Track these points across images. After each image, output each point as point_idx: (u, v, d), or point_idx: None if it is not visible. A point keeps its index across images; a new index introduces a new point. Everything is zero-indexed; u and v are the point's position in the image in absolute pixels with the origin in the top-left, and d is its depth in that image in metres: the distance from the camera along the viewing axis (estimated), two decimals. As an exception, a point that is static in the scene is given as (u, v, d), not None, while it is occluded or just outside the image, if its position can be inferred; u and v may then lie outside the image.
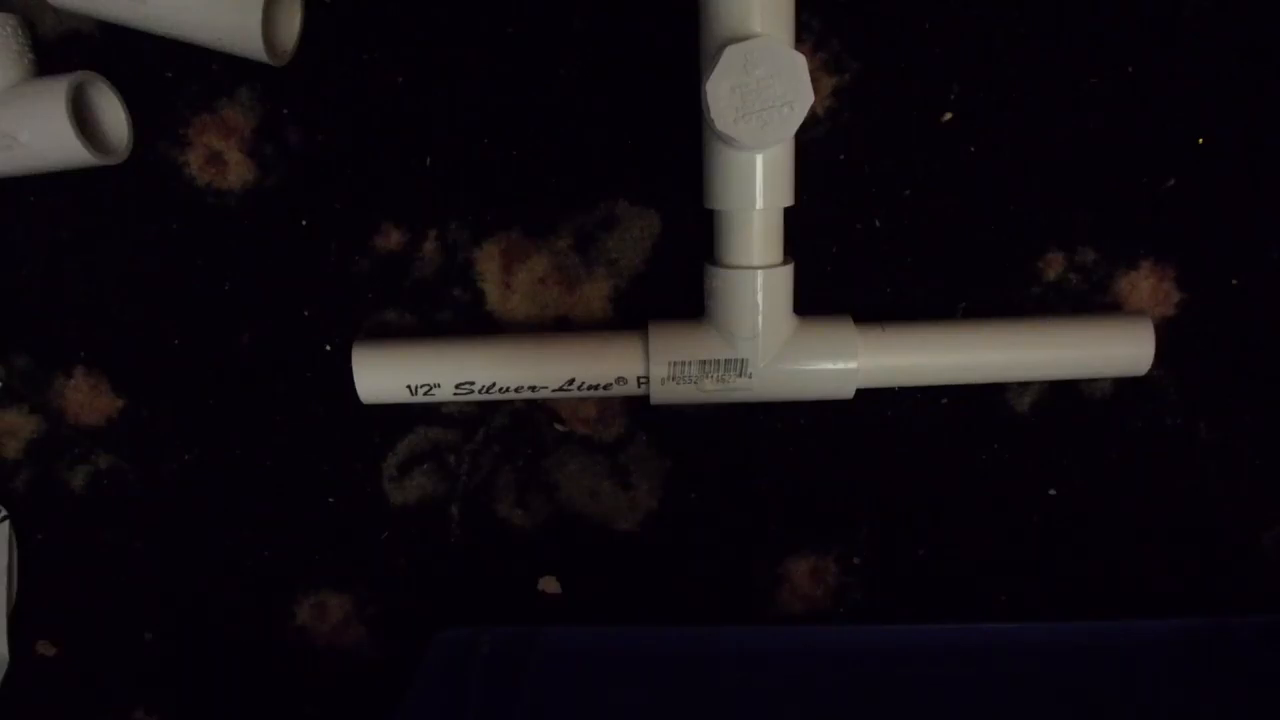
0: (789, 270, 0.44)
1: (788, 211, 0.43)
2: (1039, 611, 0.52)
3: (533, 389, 0.47)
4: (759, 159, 0.40)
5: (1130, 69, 0.46)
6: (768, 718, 0.45)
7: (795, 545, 0.52)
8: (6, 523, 0.54)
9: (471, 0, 0.47)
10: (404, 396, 0.47)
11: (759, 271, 0.43)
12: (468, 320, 0.50)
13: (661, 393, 0.45)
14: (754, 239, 0.42)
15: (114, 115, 0.48)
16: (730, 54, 0.36)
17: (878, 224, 0.48)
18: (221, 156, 0.49)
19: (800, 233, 0.47)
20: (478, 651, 0.49)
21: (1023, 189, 0.47)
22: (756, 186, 0.41)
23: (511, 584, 0.53)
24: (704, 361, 0.45)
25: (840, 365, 0.45)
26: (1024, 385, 0.50)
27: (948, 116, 0.47)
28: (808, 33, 0.46)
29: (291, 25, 0.47)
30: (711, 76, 0.36)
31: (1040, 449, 0.50)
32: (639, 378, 0.46)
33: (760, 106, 0.36)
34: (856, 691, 0.46)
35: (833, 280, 0.48)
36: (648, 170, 0.48)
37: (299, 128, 0.49)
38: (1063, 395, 0.50)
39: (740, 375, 0.45)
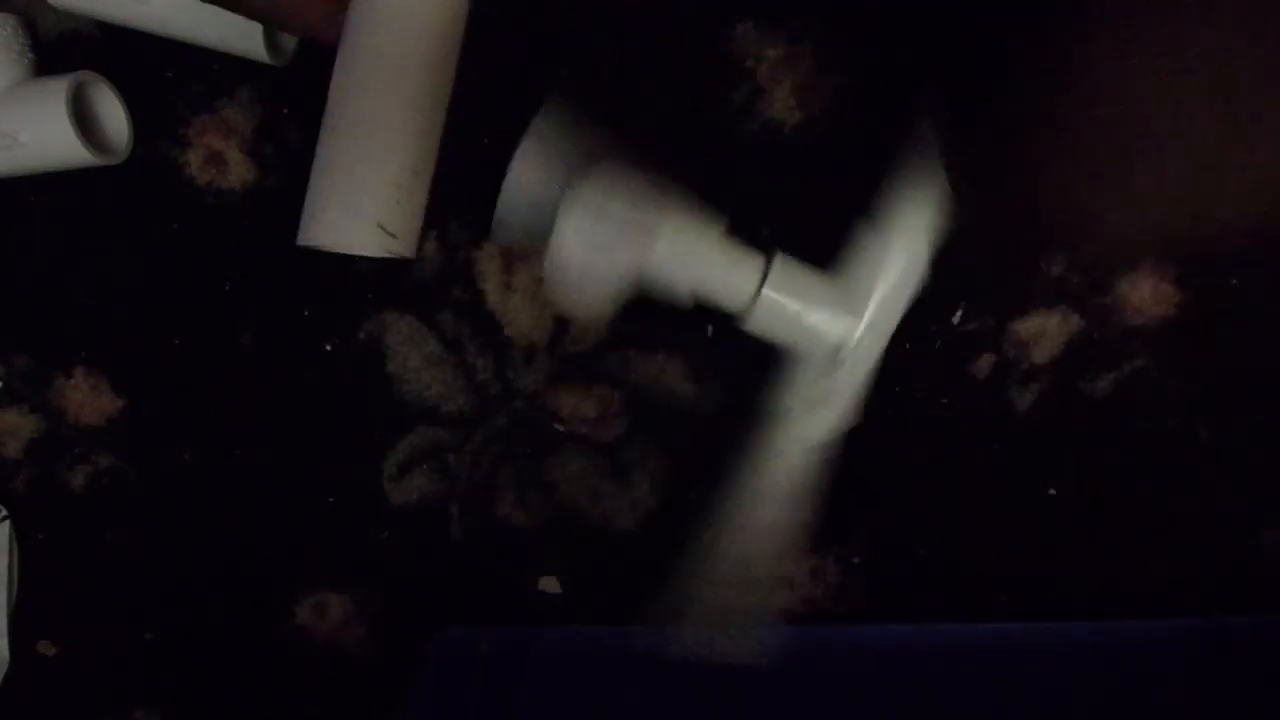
0: None
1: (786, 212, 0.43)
2: (1039, 611, 0.52)
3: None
4: None
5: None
6: (768, 717, 0.45)
7: (795, 545, 0.52)
8: (6, 523, 0.54)
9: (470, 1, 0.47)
10: None
11: None
12: (468, 320, 0.50)
13: None
14: None
15: (114, 115, 0.48)
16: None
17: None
18: (221, 156, 0.49)
19: (800, 231, 0.47)
20: (478, 651, 0.49)
21: (1021, 190, 0.47)
22: None
23: (511, 584, 0.53)
24: None
25: None
26: (1024, 385, 0.50)
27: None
28: (808, 34, 0.46)
29: (291, 25, 0.47)
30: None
31: (1040, 449, 0.50)
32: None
33: None
34: (856, 691, 0.46)
35: (833, 280, 0.48)
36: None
37: (299, 128, 0.48)
38: (1063, 395, 0.50)
39: None
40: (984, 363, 0.49)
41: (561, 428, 0.51)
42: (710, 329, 0.50)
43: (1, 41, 0.46)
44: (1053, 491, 0.51)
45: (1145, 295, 0.48)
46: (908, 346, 0.49)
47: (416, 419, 0.52)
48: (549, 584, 0.53)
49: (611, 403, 0.51)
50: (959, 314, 0.49)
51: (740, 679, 0.47)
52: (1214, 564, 0.51)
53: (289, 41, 0.47)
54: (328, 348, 0.51)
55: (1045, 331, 0.49)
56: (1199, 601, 0.51)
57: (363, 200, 0.36)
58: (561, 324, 0.50)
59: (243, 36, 0.44)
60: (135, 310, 0.51)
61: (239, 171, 0.49)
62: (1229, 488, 0.50)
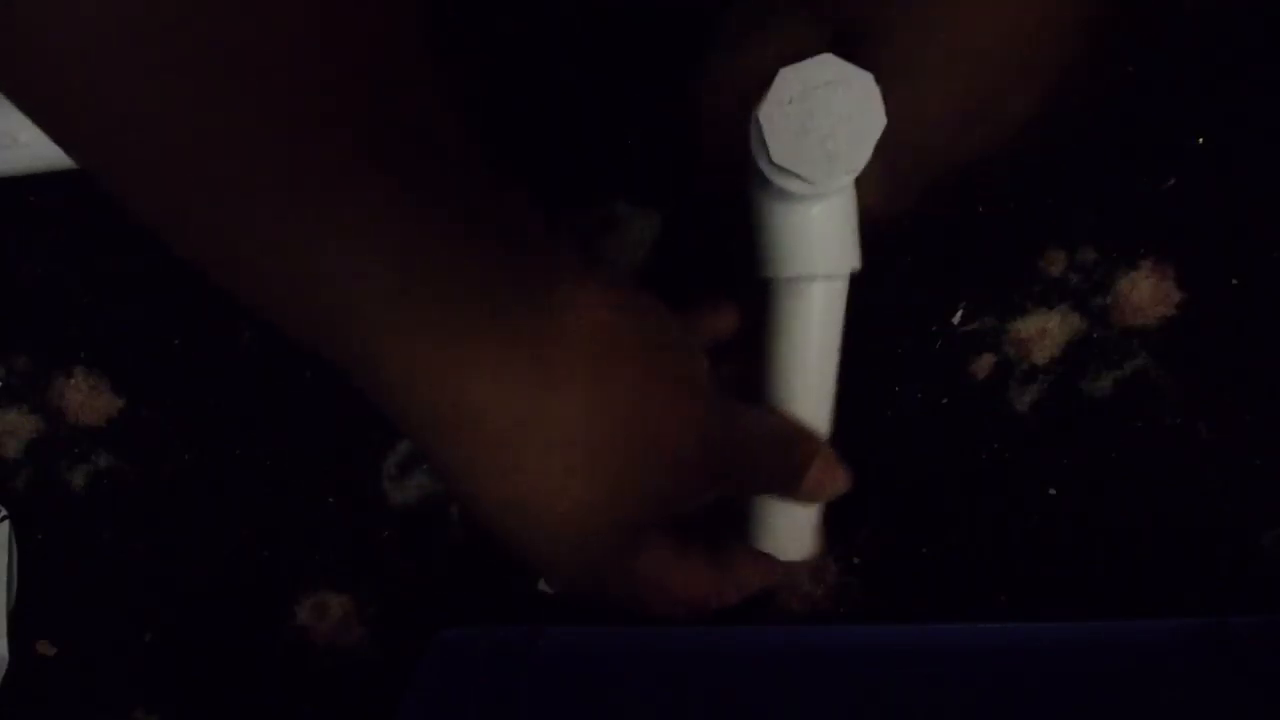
0: None
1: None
2: (1039, 611, 0.52)
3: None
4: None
5: (1130, 68, 0.46)
6: (768, 718, 0.45)
7: (795, 545, 0.52)
8: (6, 523, 0.54)
9: (469, 0, 0.47)
10: None
11: None
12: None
13: None
14: None
15: (114, 115, 0.48)
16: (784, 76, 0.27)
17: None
18: (221, 156, 0.49)
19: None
20: (478, 651, 0.49)
21: (1023, 188, 0.47)
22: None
23: (511, 584, 0.53)
24: None
25: None
26: (1024, 385, 0.50)
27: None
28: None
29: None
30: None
31: (1040, 449, 0.50)
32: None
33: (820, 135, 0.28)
34: (856, 691, 0.46)
35: (833, 280, 0.48)
36: (648, 170, 0.48)
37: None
38: (1063, 395, 0.50)
39: None
40: (984, 363, 0.49)
41: (561, 428, 0.51)
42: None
43: (1, 41, 0.46)
44: (1053, 491, 0.51)
45: (1145, 295, 0.48)
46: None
47: (416, 419, 0.52)
48: (549, 584, 0.53)
49: (611, 403, 0.51)
50: (959, 314, 0.49)
51: (741, 679, 0.47)
52: (1214, 564, 0.51)
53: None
54: (328, 348, 0.51)
55: (1045, 331, 0.49)
56: (1199, 601, 0.51)
57: None
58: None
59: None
60: (135, 310, 0.51)
61: (239, 171, 0.49)
62: (1229, 488, 0.50)
